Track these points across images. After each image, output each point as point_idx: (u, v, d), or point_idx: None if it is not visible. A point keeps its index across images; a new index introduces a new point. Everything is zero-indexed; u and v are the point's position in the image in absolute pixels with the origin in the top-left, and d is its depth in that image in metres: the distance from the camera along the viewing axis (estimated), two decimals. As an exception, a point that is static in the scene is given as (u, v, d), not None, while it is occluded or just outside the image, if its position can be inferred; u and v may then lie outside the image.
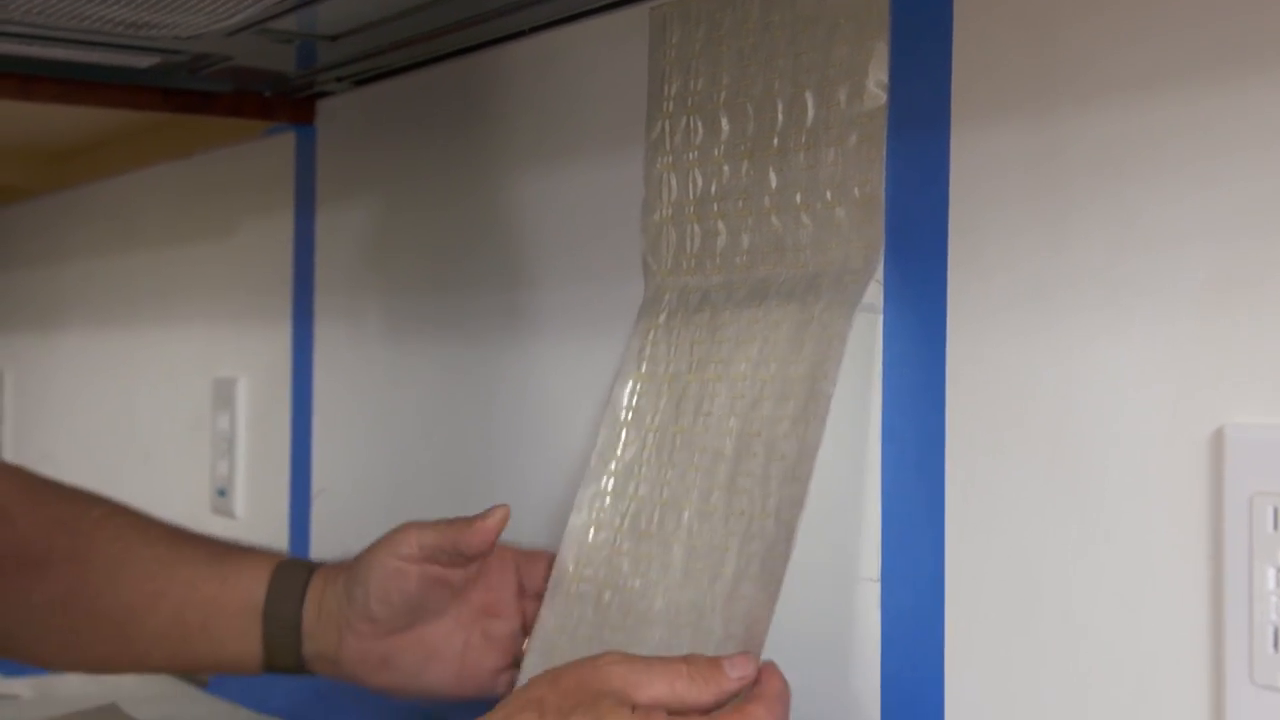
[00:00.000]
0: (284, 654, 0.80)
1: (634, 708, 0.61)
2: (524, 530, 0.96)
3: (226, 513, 1.36)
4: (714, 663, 0.64)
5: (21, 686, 1.24)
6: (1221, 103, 0.58)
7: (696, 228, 0.83)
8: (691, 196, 0.83)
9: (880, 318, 0.72)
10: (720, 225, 0.81)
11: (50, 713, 1.10)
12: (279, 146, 1.28)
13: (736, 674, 0.64)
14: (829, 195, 0.74)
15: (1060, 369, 0.64)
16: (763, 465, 0.72)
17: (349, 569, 0.79)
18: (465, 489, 1.02)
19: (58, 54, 1.01)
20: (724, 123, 0.81)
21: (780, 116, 0.77)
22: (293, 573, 0.80)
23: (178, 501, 1.44)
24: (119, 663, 0.83)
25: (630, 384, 0.82)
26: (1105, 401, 0.62)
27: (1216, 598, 0.58)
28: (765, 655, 0.78)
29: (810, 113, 0.76)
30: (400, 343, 1.11)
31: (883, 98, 0.72)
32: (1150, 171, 0.60)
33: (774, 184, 0.78)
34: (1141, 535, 0.61)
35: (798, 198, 0.76)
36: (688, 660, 0.64)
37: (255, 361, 1.33)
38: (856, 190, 0.73)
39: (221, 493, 1.36)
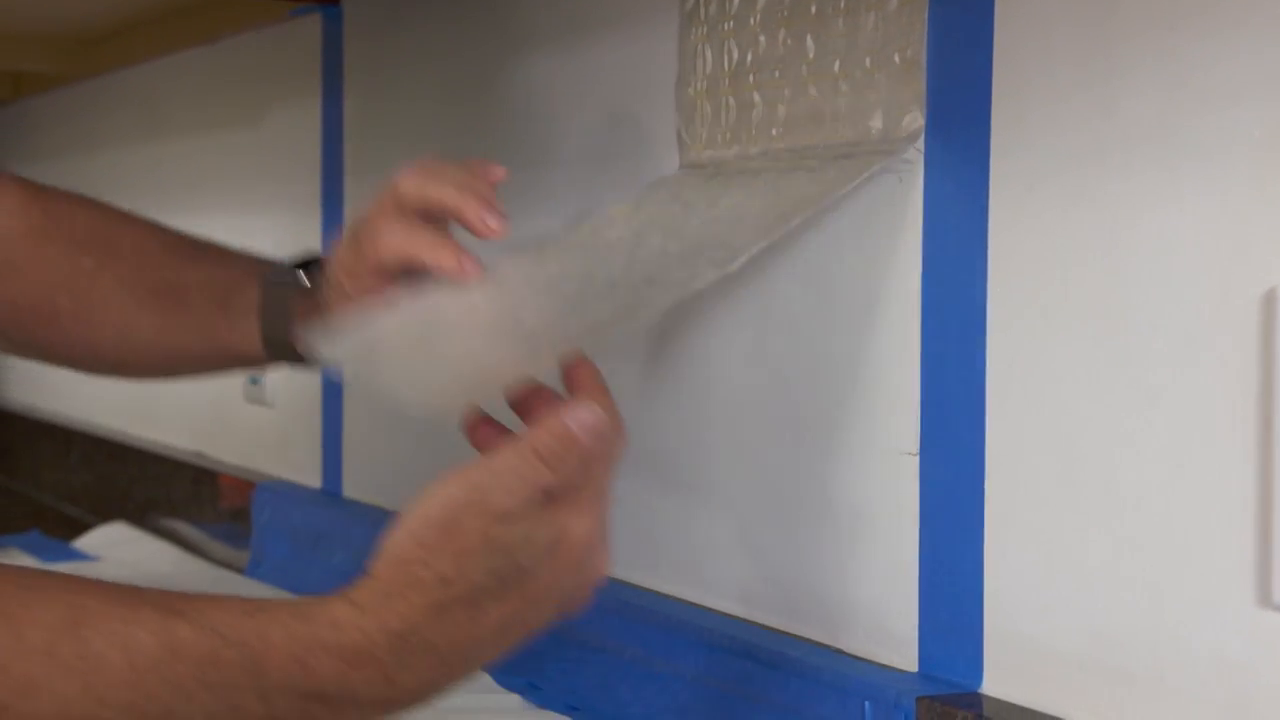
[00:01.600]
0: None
1: (502, 524, 0.59)
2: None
3: (260, 401, 1.36)
4: (559, 427, 0.61)
5: (61, 570, 1.25)
6: (1280, -47, 0.56)
7: (732, 100, 0.81)
8: (726, 68, 0.81)
9: (921, 183, 0.70)
10: (756, 97, 0.79)
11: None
12: (305, 29, 1.26)
13: (588, 438, 0.61)
14: (868, 62, 0.73)
15: (1107, 233, 0.62)
16: (690, 247, 0.69)
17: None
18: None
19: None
20: (761, -10, 0.79)
21: (819, -18, 0.75)
22: (280, 303, 0.81)
23: (212, 391, 1.44)
24: (160, 378, 0.86)
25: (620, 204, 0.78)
26: (1154, 264, 0.61)
27: (1265, 462, 0.57)
28: (800, 524, 0.78)
29: (850, -23, 0.74)
30: (431, 226, 1.10)
31: (925, -42, 0.70)
32: (1204, 28, 0.59)
33: (812, 52, 0.76)
34: (1189, 399, 0.59)
35: (836, 66, 0.74)
36: (532, 444, 0.60)
37: (285, 249, 1.32)
38: (897, 56, 0.71)
39: (254, 381, 1.36)
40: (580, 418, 0.61)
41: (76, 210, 0.84)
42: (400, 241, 0.72)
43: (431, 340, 0.66)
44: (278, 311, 0.81)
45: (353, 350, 0.67)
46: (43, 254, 0.82)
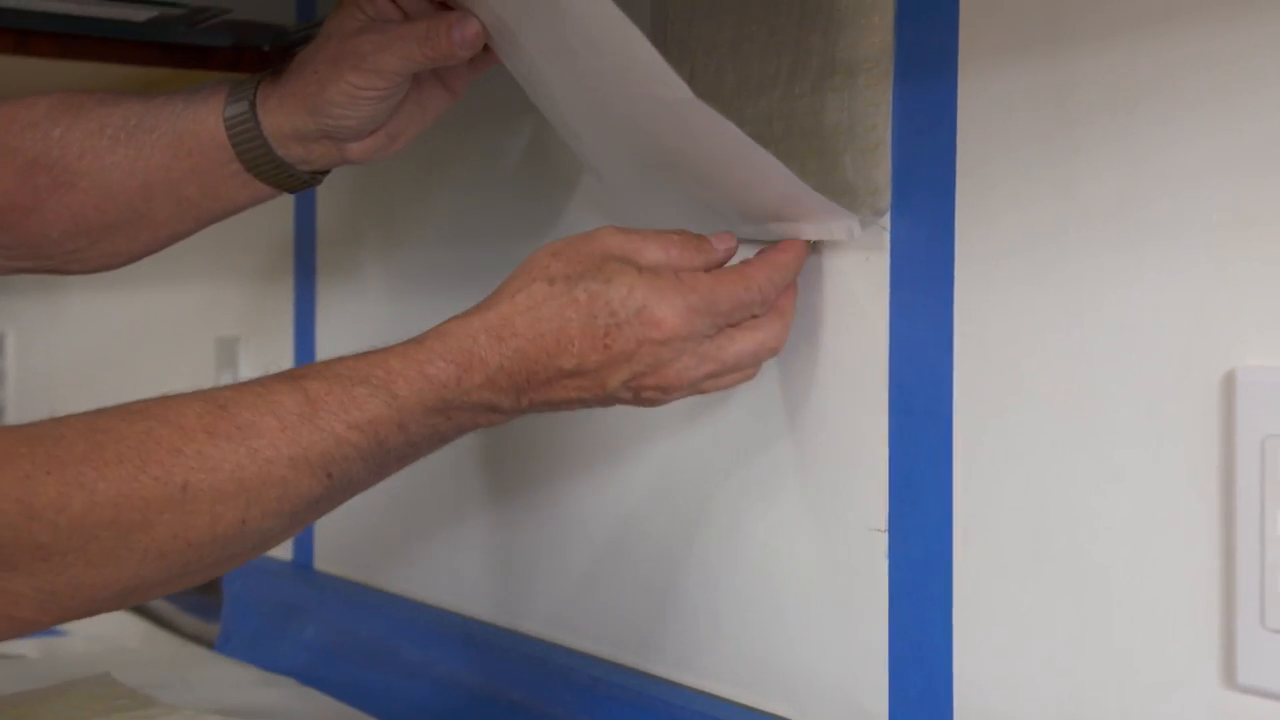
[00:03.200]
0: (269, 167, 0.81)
1: (639, 269, 0.66)
2: (536, 500, 0.96)
3: (230, 472, 1.35)
4: (701, 237, 0.70)
5: (27, 647, 1.24)
6: (1236, 39, 0.57)
7: (700, 177, 0.82)
8: (695, 145, 0.82)
9: (887, 260, 0.71)
10: (724, 174, 0.80)
11: (55, 671, 1.10)
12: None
13: (723, 246, 0.70)
14: (834, 141, 0.73)
15: (1070, 312, 0.63)
16: None
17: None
18: (468, 445, 1.02)
19: (55, 7, 1.00)
20: (730, 69, 0.80)
21: (785, 61, 0.76)
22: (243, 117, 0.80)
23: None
24: (151, 248, 0.85)
25: None
26: (1116, 345, 0.61)
27: (1228, 542, 0.57)
28: (770, 600, 0.78)
29: (815, 57, 0.75)
30: (403, 298, 1.11)
31: (889, 40, 0.71)
32: (1163, 111, 0.60)
33: (778, 131, 0.77)
34: (1153, 480, 0.60)
35: (802, 144, 0.75)
36: (677, 232, 0.69)
37: (257, 320, 1.33)
38: (862, 135, 0.72)
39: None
40: (724, 237, 0.70)
41: (37, 99, 0.83)
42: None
43: None
44: (242, 93, 0.80)
45: None
46: (8, 146, 0.81)
